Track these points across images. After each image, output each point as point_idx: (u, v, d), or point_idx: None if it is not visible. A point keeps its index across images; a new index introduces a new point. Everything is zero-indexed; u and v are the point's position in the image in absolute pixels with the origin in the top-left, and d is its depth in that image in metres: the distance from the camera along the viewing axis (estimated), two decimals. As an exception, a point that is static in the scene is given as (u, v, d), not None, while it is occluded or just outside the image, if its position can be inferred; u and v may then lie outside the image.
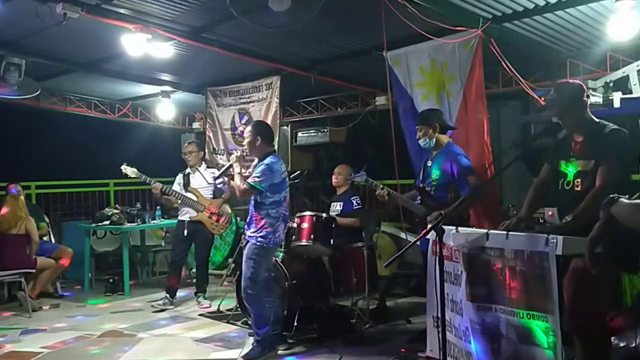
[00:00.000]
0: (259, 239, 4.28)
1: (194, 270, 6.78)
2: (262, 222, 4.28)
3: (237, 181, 4.33)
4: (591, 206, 2.87)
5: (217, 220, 6.19)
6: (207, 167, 6.53)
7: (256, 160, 4.53)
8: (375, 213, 5.94)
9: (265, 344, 4.30)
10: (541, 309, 2.86)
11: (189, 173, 6.31)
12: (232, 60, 6.10)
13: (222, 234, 8.20)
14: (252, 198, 4.35)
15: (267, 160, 4.33)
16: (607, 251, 2.37)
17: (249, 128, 4.52)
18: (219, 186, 5.54)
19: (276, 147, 6.97)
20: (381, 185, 4.56)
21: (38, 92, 6.61)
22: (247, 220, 4.45)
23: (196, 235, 6.14)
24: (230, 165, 4.47)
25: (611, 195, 2.23)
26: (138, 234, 7.84)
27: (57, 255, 6.69)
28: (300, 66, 6.51)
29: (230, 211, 6.40)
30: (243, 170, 4.43)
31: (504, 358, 3.07)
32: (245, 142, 4.54)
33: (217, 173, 4.99)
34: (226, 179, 4.59)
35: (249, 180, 4.27)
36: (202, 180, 6.27)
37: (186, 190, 6.19)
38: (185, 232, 6.13)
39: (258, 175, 4.25)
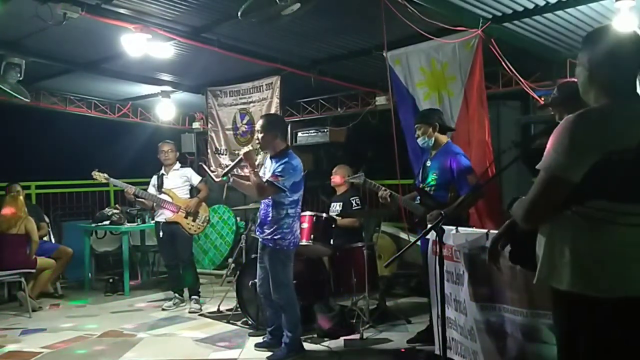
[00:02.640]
0: (278, 242, 4.16)
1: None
2: (280, 223, 4.15)
3: (255, 179, 4.11)
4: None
5: (194, 220, 6.10)
6: (182, 166, 6.37)
7: (260, 158, 4.46)
8: (375, 213, 5.94)
9: (292, 347, 4.27)
10: (546, 307, 2.86)
11: (162, 174, 6.17)
12: (232, 60, 6.10)
13: (222, 234, 8.27)
14: (271, 198, 4.19)
15: (288, 159, 4.19)
16: (511, 250, 2.39)
17: (262, 122, 4.31)
18: (217, 180, 5.24)
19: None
20: (383, 187, 4.53)
21: (28, 100, 6.57)
22: (260, 220, 4.30)
23: (175, 236, 6.02)
24: (240, 160, 4.28)
25: (514, 196, 2.18)
26: (138, 234, 7.83)
27: (57, 255, 6.69)
28: (300, 66, 6.51)
29: (207, 210, 6.29)
30: (244, 171, 4.32)
31: (510, 357, 3.06)
32: (259, 136, 4.29)
33: (222, 173, 4.83)
34: (231, 177, 4.34)
35: (270, 178, 4.11)
36: (176, 180, 6.14)
37: (160, 192, 6.07)
38: (161, 233, 6.06)
39: (281, 173, 4.09)
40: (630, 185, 1.84)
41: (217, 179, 4.52)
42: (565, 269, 1.89)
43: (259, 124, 4.37)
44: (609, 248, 1.85)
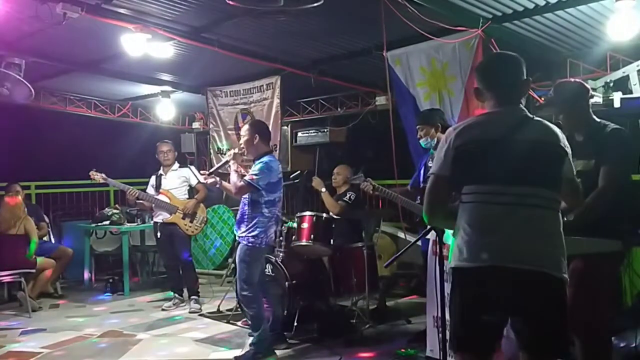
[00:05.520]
0: (250, 239, 4.23)
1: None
2: (255, 221, 4.23)
3: (234, 178, 4.28)
4: (593, 206, 2.87)
5: (191, 221, 6.10)
6: (180, 166, 6.38)
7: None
8: (375, 213, 5.94)
9: (260, 347, 4.27)
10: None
11: (161, 174, 6.17)
12: (232, 60, 6.10)
13: (222, 234, 8.27)
14: (248, 197, 4.29)
15: (266, 159, 4.31)
16: None
17: (246, 127, 4.50)
18: (207, 181, 5.22)
19: (278, 147, 6.99)
20: (367, 182, 4.53)
21: (32, 97, 6.55)
22: (238, 219, 4.39)
23: (173, 237, 6.04)
24: (227, 162, 4.42)
25: None
26: (138, 234, 7.84)
27: (57, 255, 6.69)
28: (300, 66, 6.51)
29: (205, 211, 6.30)
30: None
31: (505, 357, 3.07)
32: (242, 141, 4.50)
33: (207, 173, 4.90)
34: (217, 178, 4.50)
35: (246, 177, 4.24)
36: (174, 180, 6.14)
37: (158, 192, 6.07)
38: (159, 234, 6.07)
39: (256, 172, 4.22)
40: (492, 169, 2.23)
41: (203, 180, 4.59)
42: (455, 249, 2.32)
43: (242, 130, 4.55)
44: (473, 224, 2.25)
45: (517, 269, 2.16)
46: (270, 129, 6.88)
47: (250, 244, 4.24)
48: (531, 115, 2.37)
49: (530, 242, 2.19)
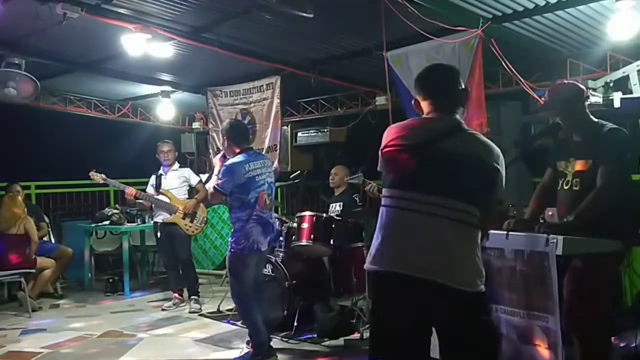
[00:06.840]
0: (233, 245, 4.17)
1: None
2: (235, 226, 4.17)
3: (210, 183, 4.24)
4: (592, 206, 2.87)
5: (191, 221, 6.11)
6: (180, 166, 6.41)
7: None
8: (375, 213, 5.93)
9: (259, 349, 4.25)
10: (541, 309, 2.86)
11: (161, 174, 6.18)
12: (232, 60, 6.10)
13: (222, 234, 8.26)
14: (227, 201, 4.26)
15: (229, 161, 4.20)
16: None
17: (220, 128, 4.47)
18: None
19: (278, 147, 6.98)
20: (370, 183, 4.55)
21: (38, 91, 6.54)
22: None
23: (173, 237, 6.04)
24: (213, 168, 4.42)
25: None
26: (138, 234, 7.84)
27: (57, 256, 6.69)
28: (300, 66, 6.50)
29: (205, 211, 6.31)
30: None
31: (505, 358, 3.07)
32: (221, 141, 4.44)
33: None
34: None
35: (215, 183, 4.18)
36: (174, 180, 6.15)
37: (158, 192, 6.08)
38: (159, 234, 6.08)
39: (220, 176, 4.14)
40: (405, 175, 2.27)
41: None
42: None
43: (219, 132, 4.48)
44: (382, 229, 2.30)
45: (413, 277, 2.16)
46: (270, 129, 6.99)
47: (232, 250, 4.18)
48: (466, 128, 2.36)
49: (425, 251, 2.17)
